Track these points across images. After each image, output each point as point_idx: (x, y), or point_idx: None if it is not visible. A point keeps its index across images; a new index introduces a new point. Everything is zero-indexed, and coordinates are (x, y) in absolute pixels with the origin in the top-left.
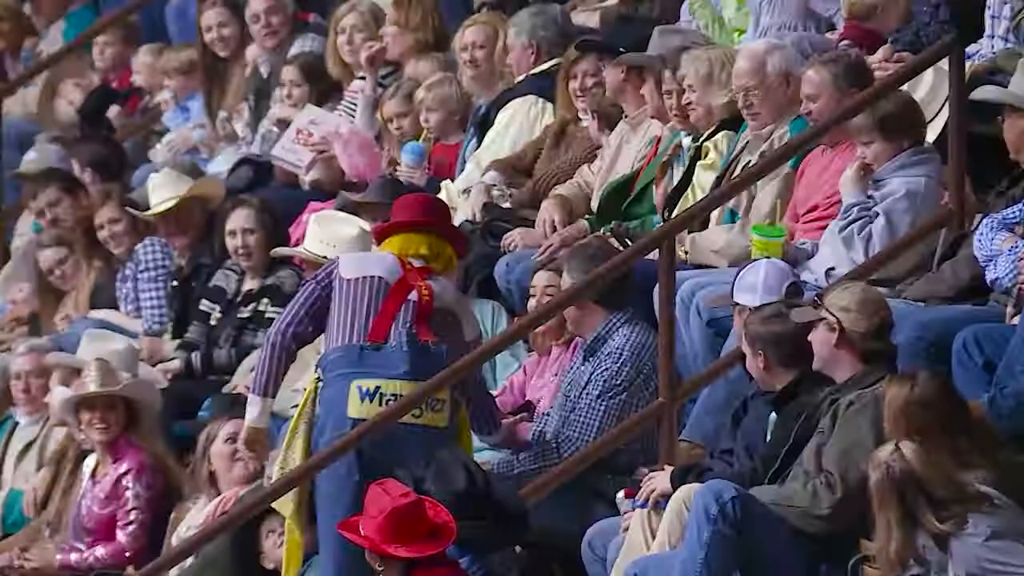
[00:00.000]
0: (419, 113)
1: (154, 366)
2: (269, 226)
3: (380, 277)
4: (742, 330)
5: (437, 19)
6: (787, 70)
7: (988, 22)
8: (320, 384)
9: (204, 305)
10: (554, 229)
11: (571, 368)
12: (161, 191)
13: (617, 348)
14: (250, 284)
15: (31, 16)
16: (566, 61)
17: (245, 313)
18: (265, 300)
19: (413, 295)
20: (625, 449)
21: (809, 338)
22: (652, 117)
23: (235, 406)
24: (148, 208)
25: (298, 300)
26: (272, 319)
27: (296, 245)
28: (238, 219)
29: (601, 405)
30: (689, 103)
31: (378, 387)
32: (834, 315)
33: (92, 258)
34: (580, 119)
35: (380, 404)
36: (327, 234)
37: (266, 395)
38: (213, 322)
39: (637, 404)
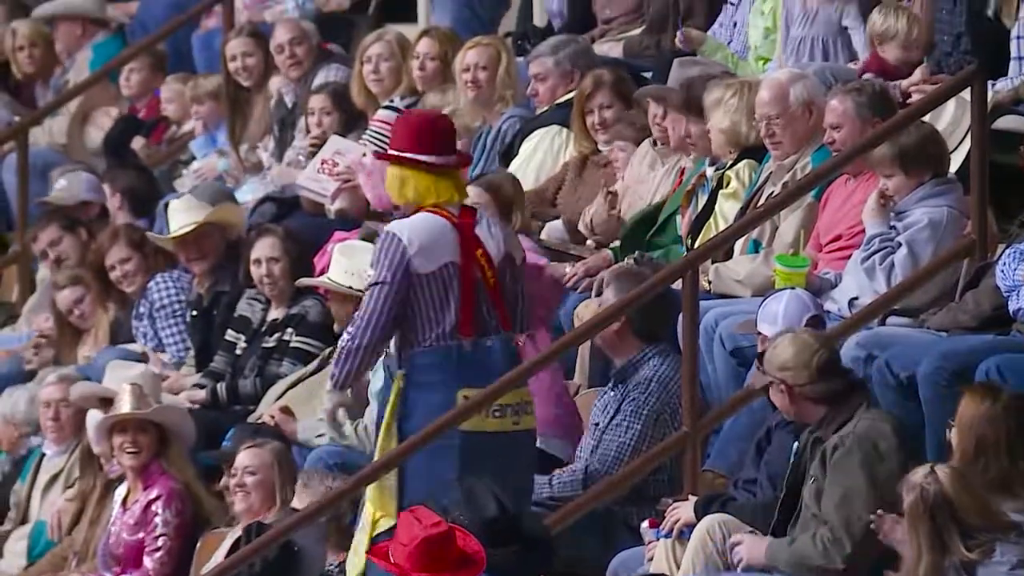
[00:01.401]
0: None
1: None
2: (294, 254)
3: (452, 262)
4: None
5: None
6: (810, 100)
7: (1014, 44)
8: (406, 383)
9: (229, 335)
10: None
11: (602, 395)
12: (180, 216)
13: (646, 379)
14: (275, 313)
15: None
16: (580, 94)
17: (270, 343)
18: (290, 329)
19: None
20: (650, 479)
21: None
22: (675, 149)
23: (257, 435)
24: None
25: (379, 309)
26: (297, 348)
27: (321, 275)
28: (263, 247)
29: (629, 437)
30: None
31: None
32: (776, 377)
33: (107, 299)
34: (599, 150)
35: (488, 415)
36: (352, 264)
37: (344, 389)
38: (238, 351)
39: (664, 436)
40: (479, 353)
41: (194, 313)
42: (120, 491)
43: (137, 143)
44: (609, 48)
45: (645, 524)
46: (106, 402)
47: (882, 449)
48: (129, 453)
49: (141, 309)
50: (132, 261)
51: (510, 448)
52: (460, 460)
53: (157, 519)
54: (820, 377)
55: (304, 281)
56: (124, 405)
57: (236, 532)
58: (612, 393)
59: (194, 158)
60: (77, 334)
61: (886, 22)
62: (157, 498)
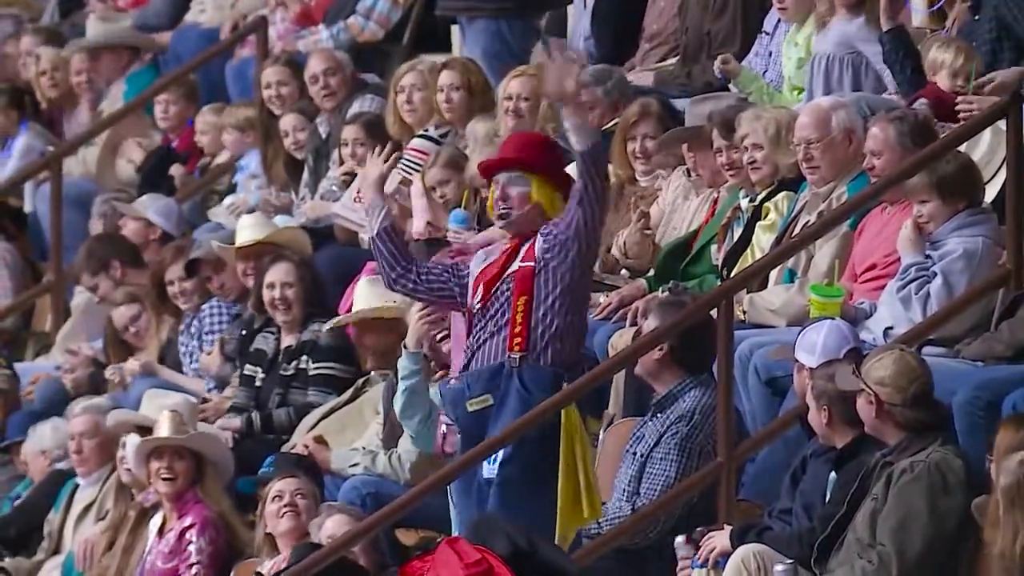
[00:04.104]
0: (475, 188)
1: (214, 423)
2: (308, 282)
3: None
4: (803, 387)
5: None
6: (851, 127)
7: None
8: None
9: (247, 369)
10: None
11: (641, 424)
12: (248, 231)
13: (688, 411)
14: (288, 340)
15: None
16: (624, 122)
17: (288, 371)
18: (305, 356)
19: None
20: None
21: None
22: (709, 185)
23: (296, 464)
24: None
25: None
26: (318, 375)
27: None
28: (277, 272)
29: (675, 472)
30: (754, 161)
31: None
32: (871, 388)
33: (162, 313)
34: (637, 179)
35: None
36: (380, 290)
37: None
38: (258, 384)
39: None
40: None
41: (243, 332)
42: (156, 520)
43: (176, 170)
44: (642, 78)
45: (680, 539)
46: (144, 430)
47: (950, 482)
48: (164, 479)
49: (192, 329)
50: (191, 280)
51: None
52: None
53: (191, 547)
54: (913, 404)
55: (336, 320)
56: (162, 430)
57: (270, 561)
58: (652, 423)
59: (234, 187)
60: (128, 353)
61: (935, 54)
62: (191, 526)
